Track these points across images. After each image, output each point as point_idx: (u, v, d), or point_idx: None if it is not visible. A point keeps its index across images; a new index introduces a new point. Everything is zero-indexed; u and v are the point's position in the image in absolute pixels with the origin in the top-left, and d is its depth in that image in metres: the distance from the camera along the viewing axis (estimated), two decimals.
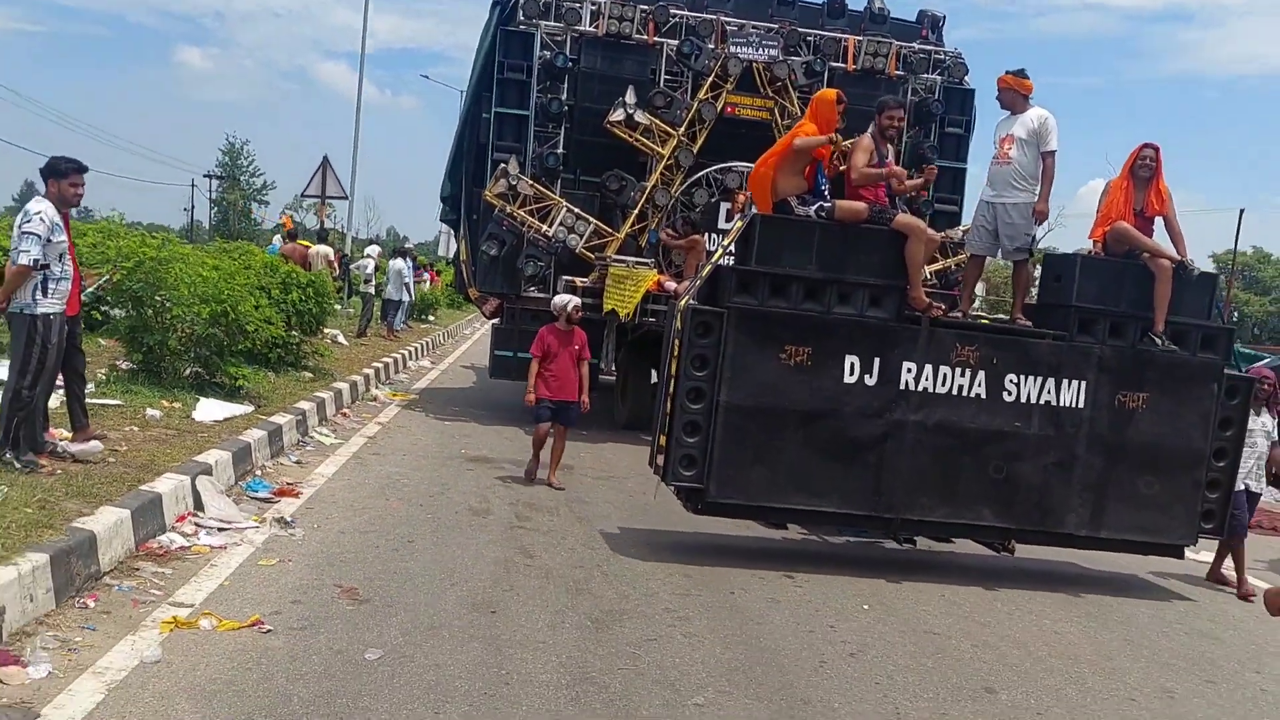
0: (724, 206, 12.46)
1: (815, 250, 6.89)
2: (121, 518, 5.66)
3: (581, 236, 11.95)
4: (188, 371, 9.98)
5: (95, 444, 6.99)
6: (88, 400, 7.54)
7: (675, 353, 6.82)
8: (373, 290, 21.18)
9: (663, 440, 6.94)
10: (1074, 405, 7.28)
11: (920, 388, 7.05)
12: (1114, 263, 7.45)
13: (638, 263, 11.76)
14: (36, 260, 6.37)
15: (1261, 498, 8.50)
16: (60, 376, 7.01)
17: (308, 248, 19.55)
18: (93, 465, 6.65)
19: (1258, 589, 7.56)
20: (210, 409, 9.11)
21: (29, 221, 6.41)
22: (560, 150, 12.25)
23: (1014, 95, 7.47)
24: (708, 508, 6.98)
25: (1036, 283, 8.52)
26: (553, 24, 12.25)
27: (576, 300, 9.31)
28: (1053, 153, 7.37)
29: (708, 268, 7.10)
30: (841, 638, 5.70)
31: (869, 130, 7.40)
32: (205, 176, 65.27)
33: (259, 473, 8.17)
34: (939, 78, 12.72)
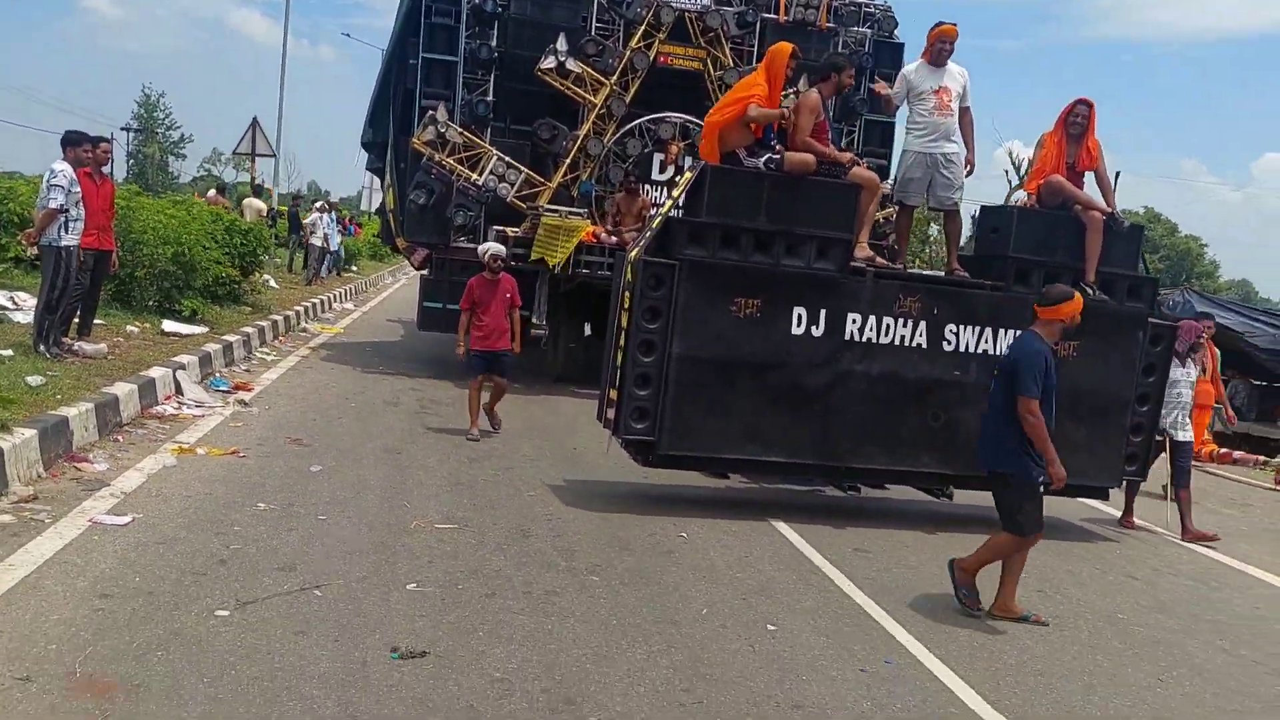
0: (657, 158, 12.39)
1: (764, 202, 6.92)
2: (132, 389, 8.10)
3: (513, 185, 11.77)
4: (151, 301, 12.01)
5: (101, 346, 9.27)
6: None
7: (626, 305, 6.80)
8: (320, 243, 22.42)
9: (613, 394, 6.94)
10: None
11: (864, 338, 7.17)
12: (1048, 214, 7.66)
13: (571, 213, 11.64)
14: (62, 205, 8.43)
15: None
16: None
17: (226, 200, 21.15)
18: (101, 360, 8.88)
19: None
20: (174, 328, 11.29)
21: (55, 177, 8.47)
22: (490, 98, 12.02)
23: (951, 48, 7.58)
24: (660, 460, 7.02)
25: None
26: None
27: (499, 248, 9.21)
28: (969, 107, 7.63)
29: (658, 219, 7.07)
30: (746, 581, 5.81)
31: (819, 86, 7.42)
32: (122, 129, 62.01)
33: (219, 374, 10.35)
34: (869, 31, 12.81)
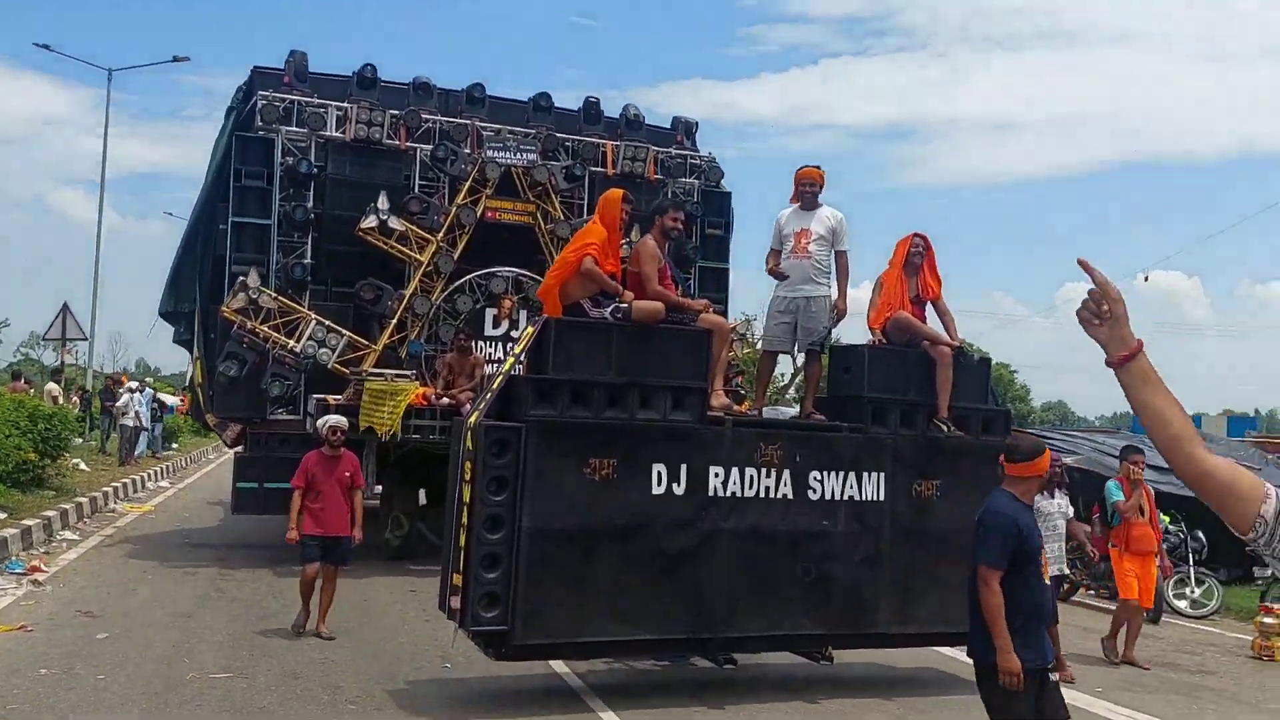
0: (490, 313, 11.88)
1: (614, 354, 6.43)
2: None
3: (334, 350, 10.97)
4: None
5: None
6: None
7: (467, 477, 6.07)
8: (132, 423, 21.81)
9: (457, 579, 6.10)
10: (876, 498, 7.17)
11: (729, 492, 6.66)
12: (899, 351, 7.51)
13: (397, 375, 10.86)
14: None
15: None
16: None
17: (29, 386, 21.19)
18: None
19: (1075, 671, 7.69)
20: None
21: None
22: (308, 260, 11.32)
23: (817, 189, 7.48)
24: (514, 652, 6.17)
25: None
26: (295, 129, 11.42)
27: (341, 420, 8.30)
28: (846, 251, 7.44)
29: (499, 379, 6.45)
30: None
31: (650, 233, 7.13)
32: None
33: (15, 558, 10.24)
34: (696, 181, 12.91)
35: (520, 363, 6.64)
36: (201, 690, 6.24)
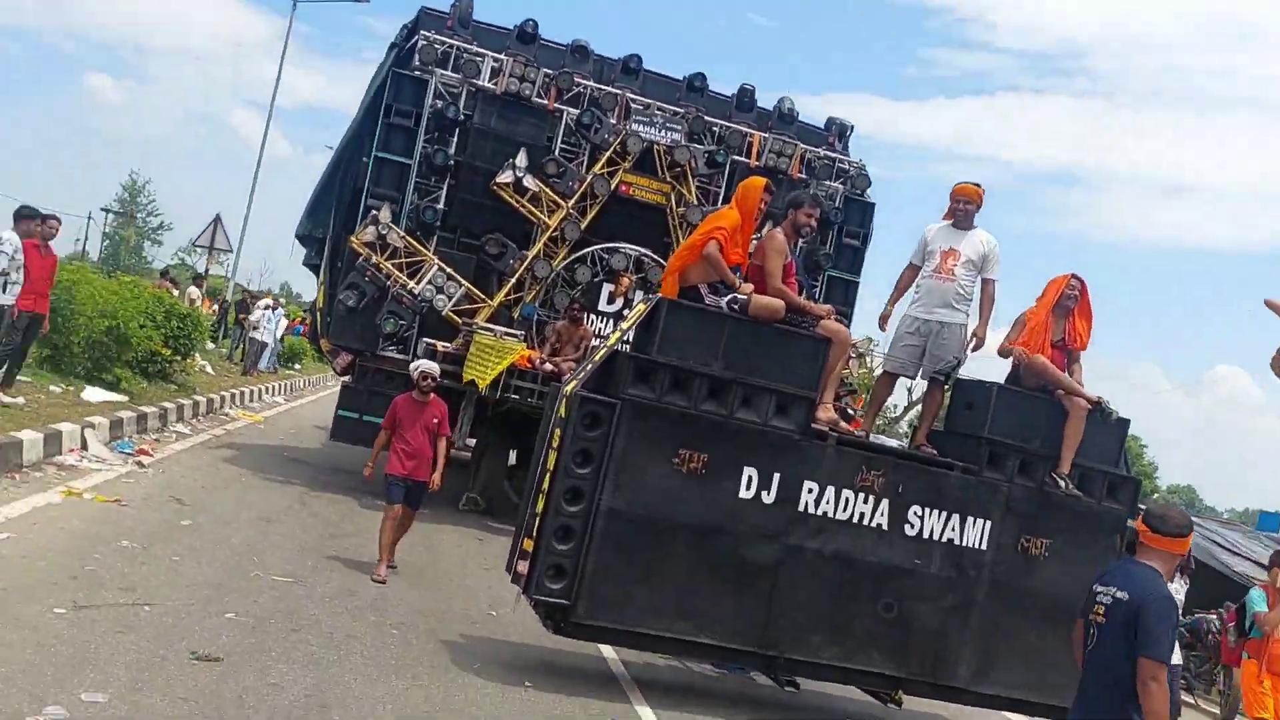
0: (606, 288, 11.72)
1: (723, 345, 6.14)
2: (37, 438, 8.85)
3: (450, 298, 10.98)
4: (81, 368, 12.50)
5: (20, 399, 10.01)
6: None
7: (554, 444, 5.90)
8: (260, 337, 22.74)
9: (527, 544, 5.95)
10: (977, 545, 6.71)
11: (820, 511, 6.32)
12: (1030, 395, 7.00)
13: (506, 333, 10.82)
14: (4, 270, 9.61)
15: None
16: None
17: (174, 286, 21.76)
18: (16, 410, 9.55)
19: None
20: (95, 394, 11.80)
21: (3, 244, 9.66)
22: (441, 205, 11.34)
23: (973, 209, 7.03)
24: (573, 629, 5.98)
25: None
26: (449, 74, 11.43)
27: (433, 366, 8.23)
28: (995, 281, 6.97)
29: (602, 352, 6.25)
30: None
31: (781, 226, 6.80)
32: (102, 210, 60.80)
33: (128, 438, 10.86)
34: (841, 186, 12.44)
35: (626, 339, 6.43)
36: (260, 588, 6.57)
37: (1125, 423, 7.16)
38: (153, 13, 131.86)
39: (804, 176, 12.17)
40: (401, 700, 5.19)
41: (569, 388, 6.01)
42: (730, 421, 6.14)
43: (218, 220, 24.70)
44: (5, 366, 10.23)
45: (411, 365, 8.37)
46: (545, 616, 6.10)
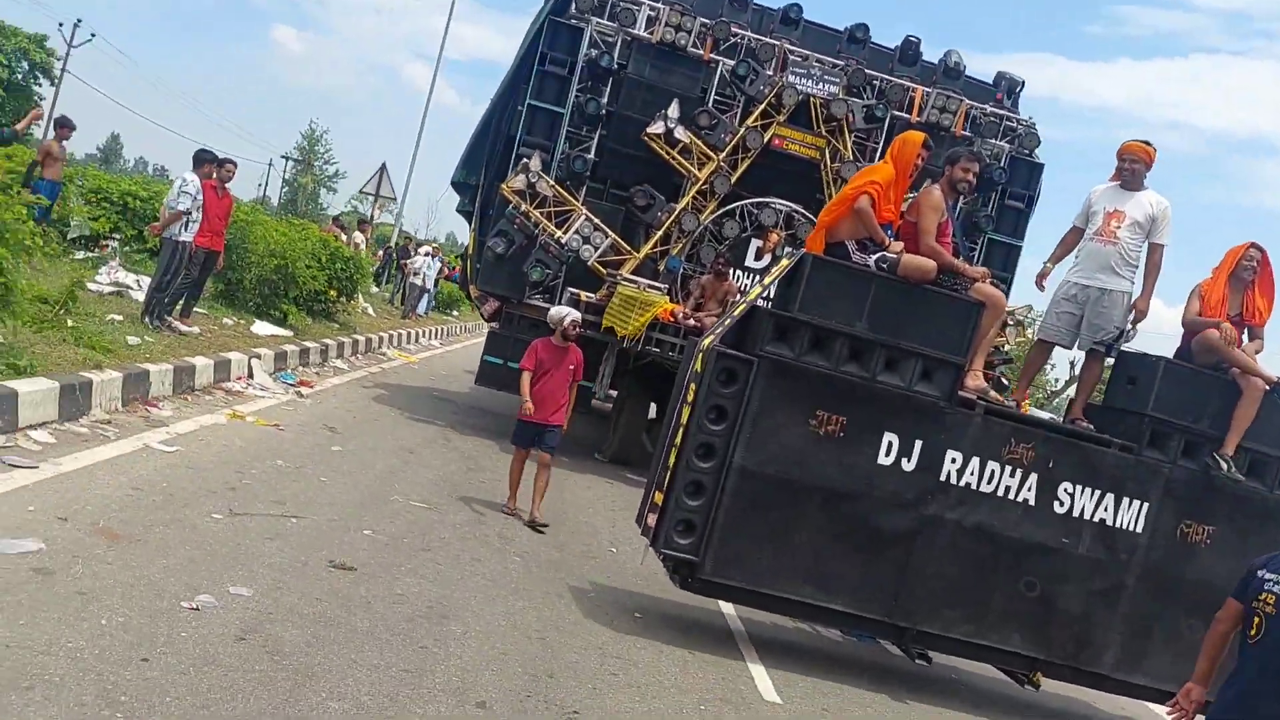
0: (754, 244, 11.53)
1: (869, 305, 5.93)
2: (209, 364, 9.60)
3: (596, 249, 11.02)
4: (251, 303, 13.50)
5: (195, 329, 10.90)
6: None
7: (689, 399, 5.86)
8: (419, 282, 24.11)
9: (658, 497, 5.96)
10: (1131, 528, 6.33)
11: (963, 482, 6.08)
12: (1200, 372, 6.52)
13: (650, 286, 10.80)
14: (187, 210, 10.34)
15: None
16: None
17: (341, 231, 22.86)
18: (192, 338, 10.45)
19: None
20: (263, 328, 12.77)
21: (185, 185, 10.43)
22: (591, 155, 11.35)
23: (1142, 169, 6.55)
24: (700, 585, 5.97)
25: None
26: (605, 23, 11.38)
27: (575, 314, 8.30)
28: (1163, 246, 6.48)
29: (741, 306, 6.14)
30: None
31: (939, 183, 6.49)
32: (282, 157, 65.81)
33: (290, 370, 11.79)
34: (1007, 145, 11.77)
35: (767, 295, 6.30)
36: (397, 511, 7.04)
37: None
38: None
39: (968, 134, 11.59)
40: (516, 618, 5.53)
41: (705, 341, 5.94)
42: (872, 384, 5.95)
43: (383, 169, 26.02)
44: (184, 299, 11.07)
45: (554, 311, 8.46)
46: (672, 571, 6.11)
